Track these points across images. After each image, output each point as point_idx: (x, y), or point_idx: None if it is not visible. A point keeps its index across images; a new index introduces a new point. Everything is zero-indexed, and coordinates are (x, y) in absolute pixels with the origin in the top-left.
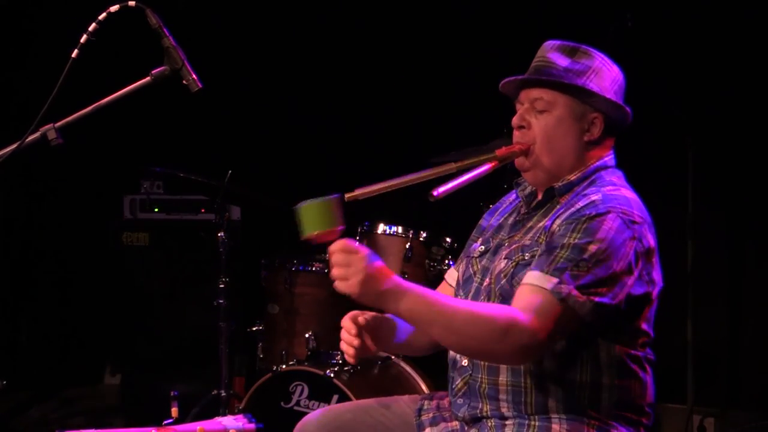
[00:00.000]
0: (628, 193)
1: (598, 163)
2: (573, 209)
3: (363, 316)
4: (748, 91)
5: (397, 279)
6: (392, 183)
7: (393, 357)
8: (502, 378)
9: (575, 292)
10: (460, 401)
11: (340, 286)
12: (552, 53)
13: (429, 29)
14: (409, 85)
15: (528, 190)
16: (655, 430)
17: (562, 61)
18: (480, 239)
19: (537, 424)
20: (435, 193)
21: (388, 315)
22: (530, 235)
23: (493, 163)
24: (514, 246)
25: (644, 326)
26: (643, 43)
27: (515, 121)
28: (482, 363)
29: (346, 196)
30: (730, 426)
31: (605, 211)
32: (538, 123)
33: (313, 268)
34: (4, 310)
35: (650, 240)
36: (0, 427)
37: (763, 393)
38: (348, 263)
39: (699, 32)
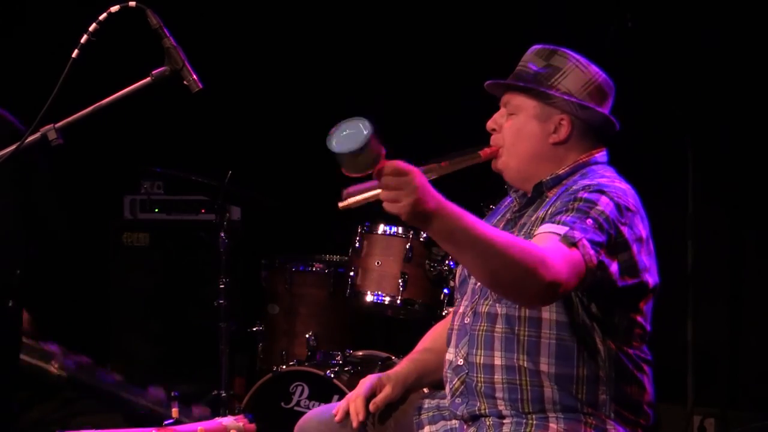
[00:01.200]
0: (622, 184)
1: (587, 158)
2: (568, 193)
3: (375, 404)
4: (749, 91)
5: (440, 199)
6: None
7: (393, 357)
8: (498, 376)
9: (586, 242)
10: (458, 401)
11: (390, 207)
12: (531, 57)
13: (429, 29)
14: (409, 84)
15: (521, 191)
16: (654, 430)
17: (538, 64)
18: None
19: (534, 422)
20: (340, 204)
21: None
22: (524, 230)
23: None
24: None
25: (640, 321)
26: (643, 43)
27: (488, 124)
28: (477, 361)
29: (340, 205)
30: (730, 426)
31: (600, 190)
32: (507, 126)
33: (314, 269)
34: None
35: (641, 230)
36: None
37: (763, 393)
38: (398, 186)
39: (699, 32)
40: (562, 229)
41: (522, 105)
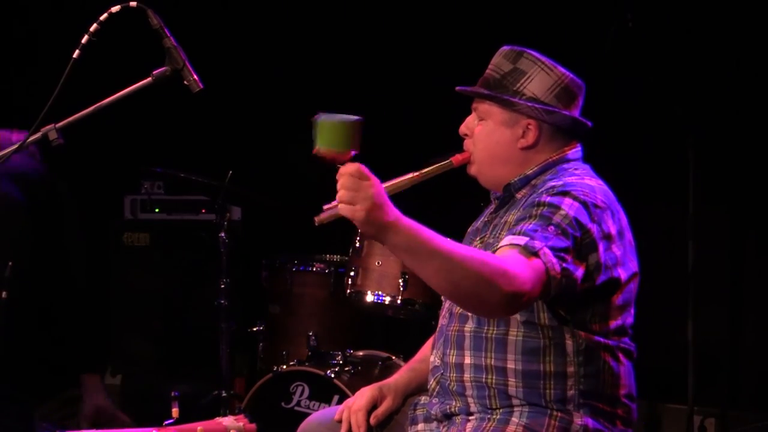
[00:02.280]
0: (592, 181)
1: (556, 157)
2: (533, 195)
3: (376, 418)
4: (749, 90)
5: (398, 213)
6: None
7: (393, 357)
8: (467, 375)
9: (547, 250)
10: (434, 401)
11: (344, 210)
12: (498, 59)
13: (429, 28)
14: (409, 84)
15: (497, 194)
16: (655, 430)
17: (504, 68)
18: None
19: (498, 417)
20: (316, 219)
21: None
22: (494, 233)
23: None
24: (480, 247)
25: (615, 314)
26: (643, 43)
27: (461, 129)
28: (450, 361)
29: (315, 219)
30: (730, 426)
31: (564, 192)
32: (477, 131)
33: (314, 269)
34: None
35: (610, 226)
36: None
37: (764, 393)
38: (357, 188)
39: (699, 31)
40: (522, 240)
41: (489, 111)
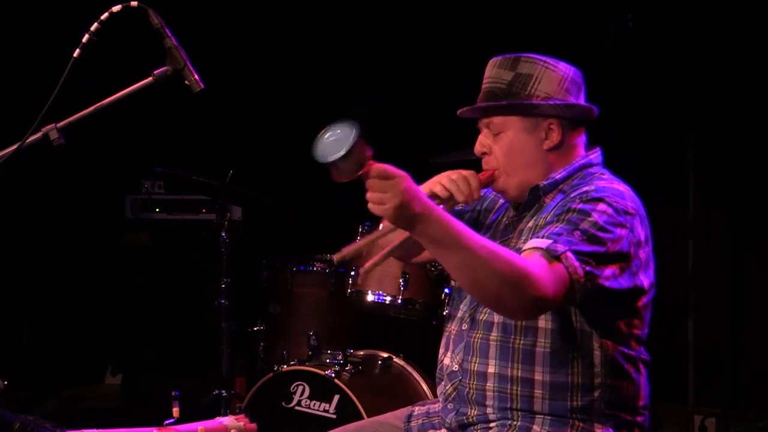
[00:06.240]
0: (621, 186)
1: (583, 161)
2: (564, 200)
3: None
4: (750, 91)
5: (427, 201)
6: (372, 237)
7: (394, 357)
8: (490, 384)
9: (570, 254)
10: (449, 406)
11: (375, 209)
12: (496, 70)
13: (428, 28)
14: (409, 84)
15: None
16: (655, 430)
17: (506, 76)
18: None
19: (518, 423)
20: (336, 257)
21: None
22: (524, 238)
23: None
24: None
25: (636, 322)
26: (643, 43)
27: (477, 149)
28: (472, 368)
29: (335, 257)
30: (731, 426)
31: (598, 198)
32: (497, 147)
33: (315, 268)
34: (6, 310)
35: (640, 232)
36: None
37: (764, 393)
38: (384, 189)
39: (700, 31)
40: (545, 243)
41: (506, 123)
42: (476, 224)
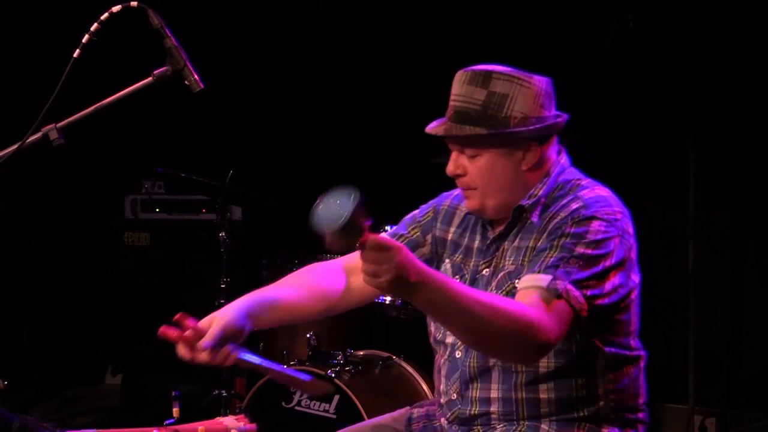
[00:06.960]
0: (602, 191)
1: (558, 170)
2: (556, 220)
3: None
4: (750, 90)
5: (422, 270)
6: None
7: (394, 357)
8: (494, 408)
9: (570, 287)
10: (455, 428)
11: (369, 281)
12: (466, 87)
13: (428, 28)
14: (409, 84)
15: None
16: (655, 430)
17: (478, 95)
18: (448, 260)
19: (526, 423)
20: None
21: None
22: (512, 259)
23: None
24: (501, 275)
25: (633, 321)
26: (644, 43)
27: (450, 170)
28: (473, 395)
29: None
30: (731, 426)
31: (590, 216)
32: (473, 168)
33: None
34: (6, 310)
35: (630, 232)
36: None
37: (764, 393)
38: (379, 261)
39: (700, 31)
40: (545, 280)
41: (483, 146)
42: (435, 241)
